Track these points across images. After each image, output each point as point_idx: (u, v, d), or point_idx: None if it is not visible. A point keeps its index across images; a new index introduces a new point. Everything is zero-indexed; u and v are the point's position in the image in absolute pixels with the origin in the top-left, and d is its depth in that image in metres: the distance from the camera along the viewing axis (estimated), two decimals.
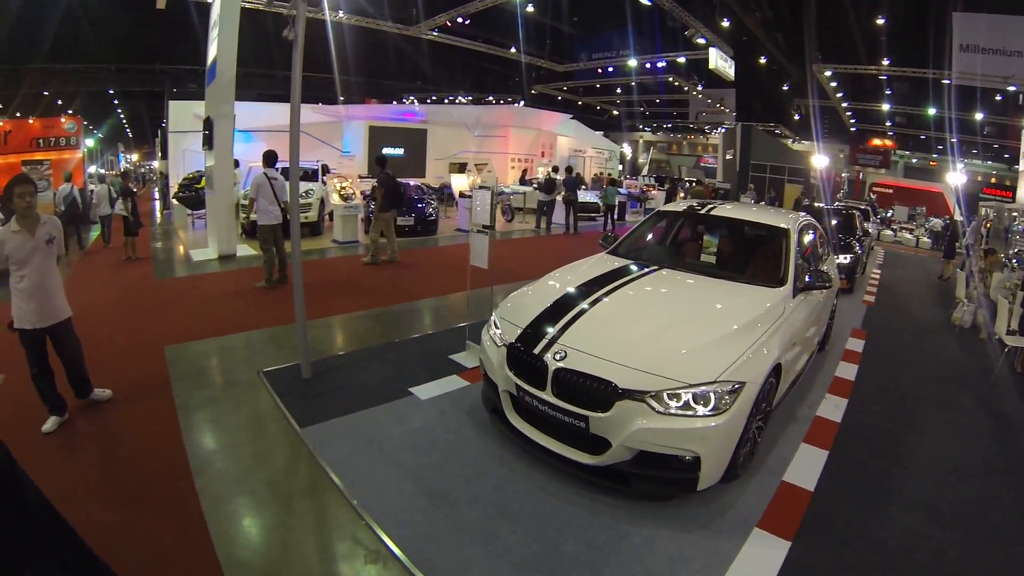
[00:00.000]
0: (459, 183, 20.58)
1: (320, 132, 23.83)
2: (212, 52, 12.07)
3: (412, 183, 18.48)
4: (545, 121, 30.62)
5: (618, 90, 43.24)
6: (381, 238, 11.69)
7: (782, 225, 5.83)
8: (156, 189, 26.94)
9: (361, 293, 9.51)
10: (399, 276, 10.88)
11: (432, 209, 16.52)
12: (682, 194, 25.76)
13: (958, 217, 19.29)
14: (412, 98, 38.44)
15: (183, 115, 20.99)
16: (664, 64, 31.98)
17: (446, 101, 38.08)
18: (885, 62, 27.47)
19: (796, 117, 42.45)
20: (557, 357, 3.93)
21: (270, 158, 9.92)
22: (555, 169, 17.81)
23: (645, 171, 44.25)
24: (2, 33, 23.85)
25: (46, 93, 30.38)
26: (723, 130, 35.20)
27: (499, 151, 28.96)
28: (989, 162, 38.66)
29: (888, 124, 38.58)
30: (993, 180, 36.90)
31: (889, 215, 32.67)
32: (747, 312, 4.49)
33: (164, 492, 3.85)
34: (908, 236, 27.81)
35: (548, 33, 34.24)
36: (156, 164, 33.42)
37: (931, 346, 8.93)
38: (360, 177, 21.71)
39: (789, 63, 31.10)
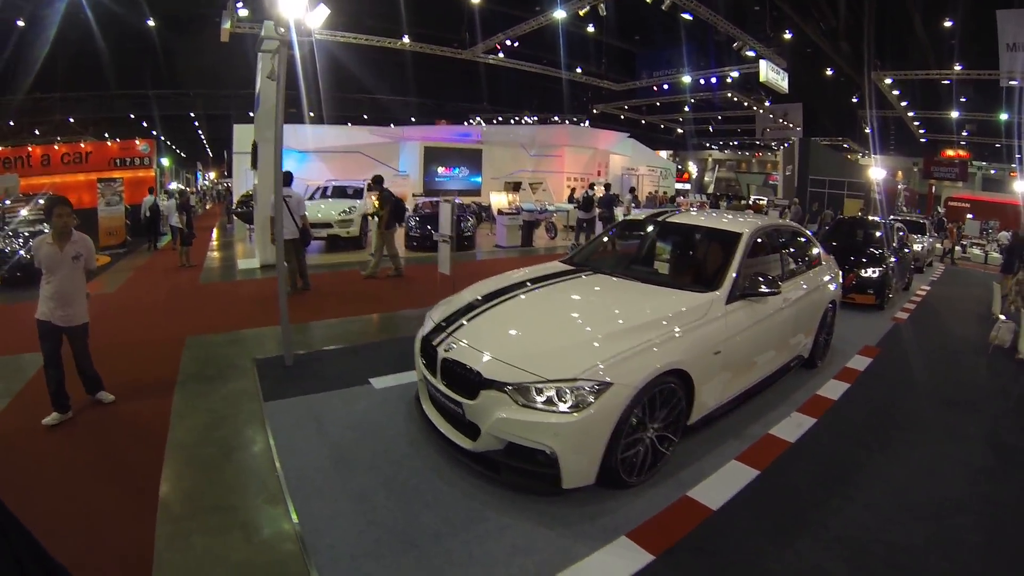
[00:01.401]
0: (498, 201, 21.10)
1: (377, 152, 24.94)
2: (259, 83, 13.19)
3: (457, 201, 19.28)
4: (601, 140, 30.82)
5: (686, 108, 43.15)
6: (384, 254, 12.17)
7: (734, 230, 5.65)
8: (225, 205, 28.87)
9: (370, 300, 10.20)
10: (410, 287, 11.50)
11: (469, 226, 17.16)
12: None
13: None
14: (478, 118, 39.58)
15: (246, 137, 22.17)
16: (727, 79, 31.79)
17: (512, 121, 38.93)
18: (957, 67, 26.42)
19: (867, 131, 41.28)
20: (445, 348, 4.33)
21: (286, 178, 10.57)
22: (592, 186, 17.88)
23: (711, 189, 43.84)
24: (88, 63, 26.36)
25: (132, 116, 33.16)
26: (787, 146, 34.69)
27: (555, 170, 29.36)
28: None
29: (964, 134, 36.90)
30: None
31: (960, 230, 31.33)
32: (650, 314, 4.48)
33: (143, 433, 4.98)
34: (977, 252, 26.63)
35: (604, 52, 34.70)
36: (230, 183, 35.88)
37: (954, 367, 8.17)
38: (413, 195, 22.61)
39: (856, 74, 30.39)
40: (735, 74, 28.82)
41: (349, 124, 30.85)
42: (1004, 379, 7.58)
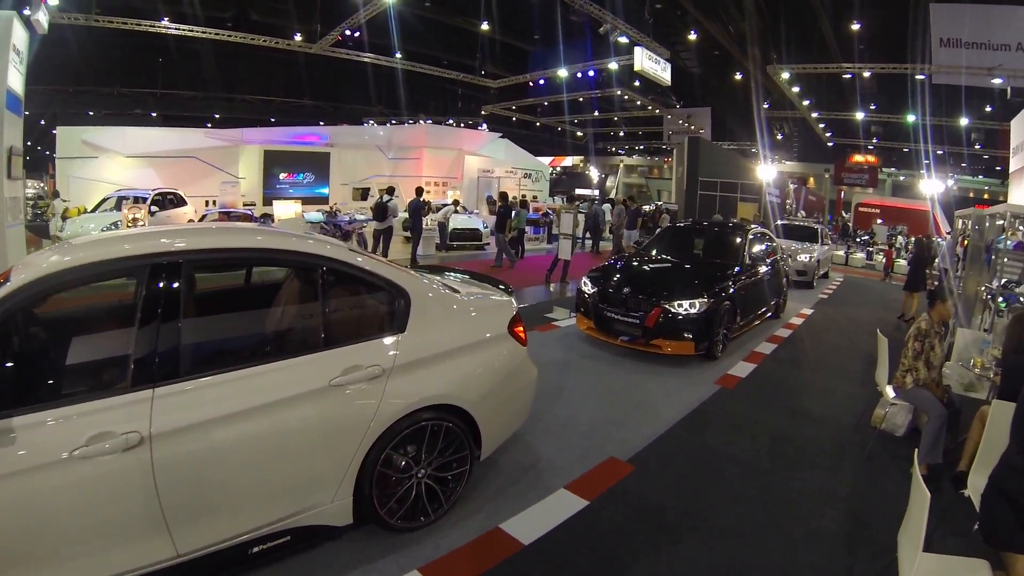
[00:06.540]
0: (282, 212, 19.75)
1: (214, 157, 22.76)
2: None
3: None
4: (466, 140, 29.00)
5: (595, 112, 41.77)
6: None
7: None
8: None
9: None
10: None
11: None
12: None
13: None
14: (371, 121, 37.90)
15: (71, 140, 20.32)
16: (605, 72, 29.95)
17: (407, 123, 37.17)
18: (866, 73, 25.75)
19: (779, 136, 40.32)
20: None
21: None
22: (390, 191, 14.54)
23: (612, 195, 41.87)
24: None
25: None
26: (674, 147, 33.33)
27: (413, 174, 26.83)
28: (980, 176, 35.99)
29: (873, 140, 36.57)
30: (986, 196, 34.22)
31: (867, 237, 30.14)
32: None
33: None
34: (882, 258, 25.16)
35: (499, 50, 33.74)
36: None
37: (776, 508, 4.04)
38: (245, 206, 20.50)
39: (765, 78, 29.01)
40: (613, 66, 26.48)
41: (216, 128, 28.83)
42: (878, 547, 3.62)
